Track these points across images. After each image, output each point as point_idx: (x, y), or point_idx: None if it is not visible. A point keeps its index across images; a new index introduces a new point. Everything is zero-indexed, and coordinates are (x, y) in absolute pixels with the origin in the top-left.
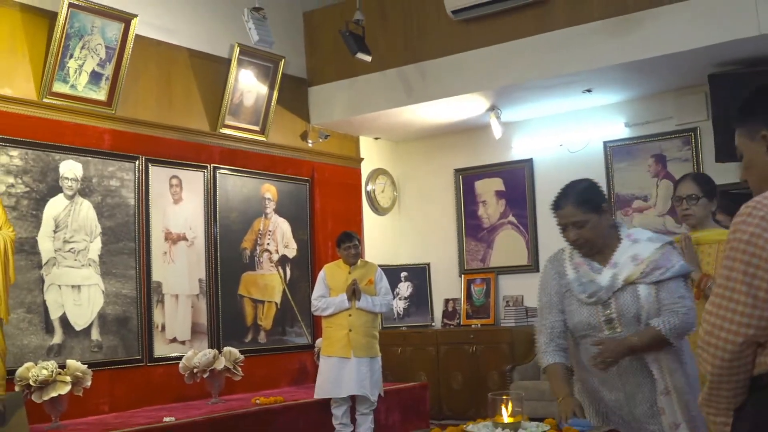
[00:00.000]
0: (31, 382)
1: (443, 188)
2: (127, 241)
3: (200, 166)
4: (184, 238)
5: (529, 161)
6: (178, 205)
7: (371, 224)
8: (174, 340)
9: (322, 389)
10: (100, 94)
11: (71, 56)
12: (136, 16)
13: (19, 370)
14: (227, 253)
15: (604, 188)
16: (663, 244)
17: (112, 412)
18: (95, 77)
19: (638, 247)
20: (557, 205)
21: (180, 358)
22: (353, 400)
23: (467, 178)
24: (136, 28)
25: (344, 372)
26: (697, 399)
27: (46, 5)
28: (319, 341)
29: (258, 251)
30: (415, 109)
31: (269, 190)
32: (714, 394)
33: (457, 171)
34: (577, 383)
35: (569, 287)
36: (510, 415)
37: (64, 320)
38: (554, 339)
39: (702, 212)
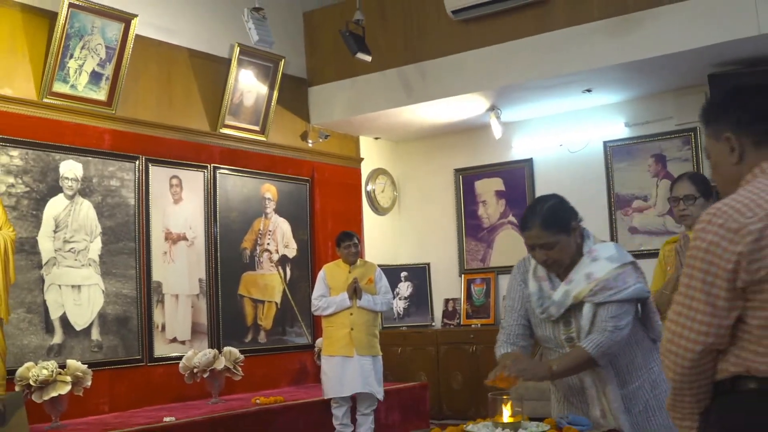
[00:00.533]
0: (32, 382)
1: (443, 188)
2: (127, 241)
3: (200, 166)
4: (184, 238)
5: (529, 161)
6: (178, 205)
7: (371, 224)
8: (174, 340)
9: (329, 389)
10: (100, 94)
11: (71, 56)
12: (136, 16)
13: (20, 370)
14: (227, 253)
15: (603, 188)
16: (622, 264)
17: (112, 412)
18: (95, 77)
19: (595, 265)
20: (524, 226)
21: (180, 358)
22: (354, 401)
23: (467, 178)
24: (136, 28)
25: (348, 371)
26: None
27: (46, 5)
28: (319, 341)
29: (258, 251)
30: (415, 109)
31: (269, 190)
32: (678, 399)
33: (457, 171)
34: (552, 387)
35: (530, 300)
36: (510, 415)
37: (64, 320)
38: (510, 338)
39: (699, 212)
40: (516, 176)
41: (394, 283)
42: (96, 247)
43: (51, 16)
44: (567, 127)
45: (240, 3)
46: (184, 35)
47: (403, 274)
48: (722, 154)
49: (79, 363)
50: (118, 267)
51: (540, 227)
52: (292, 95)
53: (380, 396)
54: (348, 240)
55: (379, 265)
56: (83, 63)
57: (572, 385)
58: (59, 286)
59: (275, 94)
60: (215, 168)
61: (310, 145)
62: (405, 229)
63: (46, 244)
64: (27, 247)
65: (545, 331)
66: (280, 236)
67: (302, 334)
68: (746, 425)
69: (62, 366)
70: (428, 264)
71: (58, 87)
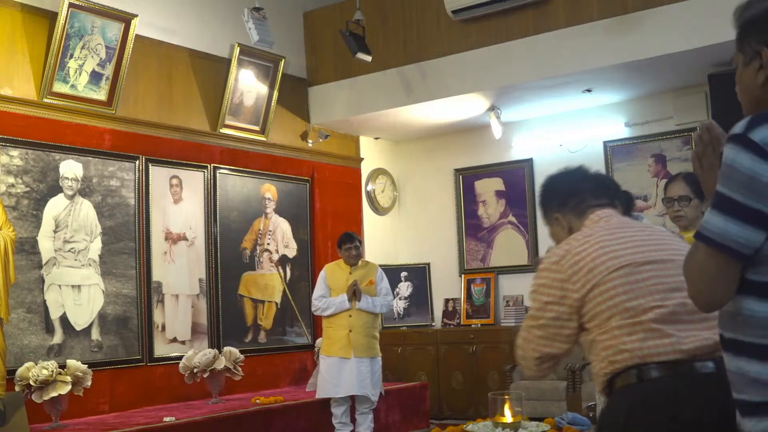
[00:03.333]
0: (32, 382)
1: (443, 188)
2: (128, 241)
3: (200, 166)
4: (184, 238)
5: (529, 161)
6: (178, 205)
7: (371, 224)
8: (174, 340)
9: (321, 389)
10: (101, 94)
11: (71, 56)
12: (136, 16)
13: (20, 370)
14: (227, 253)
15: None
16: None
17: (112, 412)
18: (95, 77)
19: None
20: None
21: (180, 358)
22: (353, 400)
23: (467, 178)
24: (137, 28)
25: (344, 372)
26: None
27: (46, 5)
28: (319, 341)
29: (258, 251)
30: (415, 109)
31: (269, 190)
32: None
33: (457, 171)
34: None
35: None
36: (510, 415)
37: (64, 320)
38: None
39: (693, 213)
40: (516, 176)
41: (394, 283)
42: (96, 247)
43: (51, 16)
44: (567, 127)
45: (240, 3)
46: (184, 35)
47: (403, 274)
48: (558, 232)
49: (79, 363)
50: (118, 267)
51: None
52: (292, 95)
53: (375, 398)
54: (349, 242)
55: (380, 265)
56: (83, 63)
57: None
58: (59, 286)
59: (275, 94)
60: (215, 168)
61: (310, 145)
62: (405, 229)
63: (46, 244)
64: (27, 247)
65: None
66: (280, 236)
67: (302, 334)
68: (635, 412)
69: (62, 366)
70: (428, 264)
71: (58, 87)
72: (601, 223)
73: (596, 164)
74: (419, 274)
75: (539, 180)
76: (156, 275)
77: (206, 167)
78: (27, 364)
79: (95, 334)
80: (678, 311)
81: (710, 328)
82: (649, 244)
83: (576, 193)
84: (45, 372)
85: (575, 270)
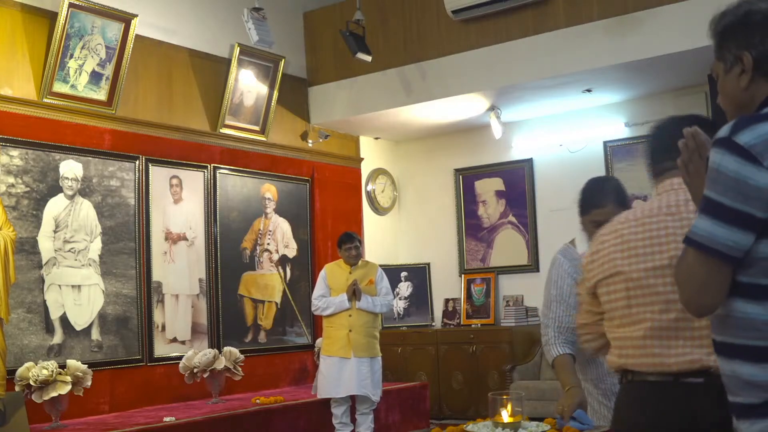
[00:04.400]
0: (32, 382)
1: (443, 188)
2: (127, 241)
3: (200, 166)
4: (184, 238)
5: (529, 161)
6: (178, 205)
7: (371, 224)
8: (174, 339)
9: (322, 389)
10: (101, 94)
11: (71, 56)
12: (136, 16)
13: (20, 370)
14: (227, 253)
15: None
16: None
17: (112, 412)
18: (95, 77)
19: None
20: (596, 204)
21: (180, 358)
22: (353, 400)
23: (467, 178)
24: (137, 28)
25: (344, 372)
26: None
27: (46, 5)
28: (319, 341)
29: (258, 251)
30: (415, 109)
31: (269, 190)
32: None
33: (457, 171)
34: (588, 383)
35: None
36: (510, 415)
37: (64, 320)
38: (563, 332)
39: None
40: (516, 176)
41: (394, 283)
42: (96, 247)
43: (51, 16)
44: (567, 127)
45: (240, 3)
46: (184, 35)
47: (403, 274)
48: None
49: (79, 363)
50: (118, 267)
51: (614, 204)
52: (292, 95)
53: (376, 398)
54: (349, 242)
55: (380, 265)
56: (83, 63)
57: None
58: (59, 286)
59: (275, 94)
60: (215, 168)
61: (310, 145)
62: (405, 229)
63: (46, 244)
64: (27, 247)
65: None
66: (280, 236)
67: (302, 334)
68: (629, 409)
69: (62, 366)
70: (428, 264)
71: (58, 87)
72: (655, 201)
73: (596, 164)
74: (419, 274)
75: (539, 180)
76: (156, 275)
77: (206, 167)
78: (27, 364)
79: (95, 334)
80: (671, 326)
81: (701, 347)
82: (676, 241)
83: (666, 150)
84: (45, 372)
85: (594, 258)
